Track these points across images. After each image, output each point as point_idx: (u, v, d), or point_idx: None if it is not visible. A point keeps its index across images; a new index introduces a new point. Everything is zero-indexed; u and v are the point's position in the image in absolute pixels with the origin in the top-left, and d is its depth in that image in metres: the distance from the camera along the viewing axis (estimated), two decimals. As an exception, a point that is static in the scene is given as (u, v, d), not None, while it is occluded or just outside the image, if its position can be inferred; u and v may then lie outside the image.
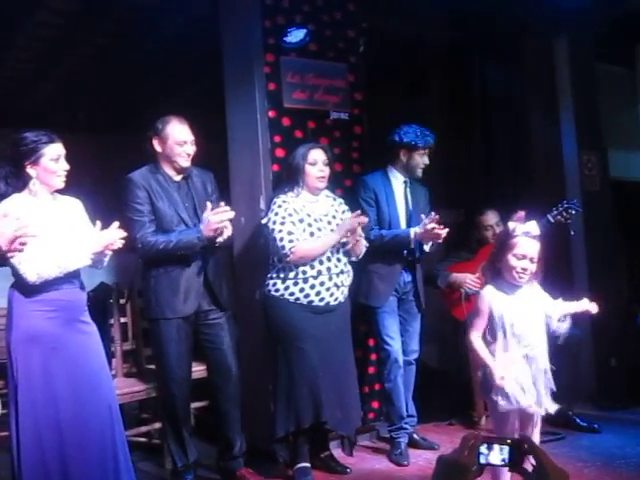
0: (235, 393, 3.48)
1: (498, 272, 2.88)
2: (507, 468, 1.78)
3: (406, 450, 3.87)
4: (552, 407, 2.86)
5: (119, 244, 2.84)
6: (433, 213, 3.72)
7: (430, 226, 3.67)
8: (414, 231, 3.80)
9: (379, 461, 3.86)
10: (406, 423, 3.94)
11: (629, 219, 5.78)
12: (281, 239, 3.42)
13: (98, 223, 2.85)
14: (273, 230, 3.45)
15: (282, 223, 3.45)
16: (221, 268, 3.53)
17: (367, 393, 4.16)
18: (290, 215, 3.47)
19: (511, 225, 2.94)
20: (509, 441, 1.72)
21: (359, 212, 3.52)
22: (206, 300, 3.41)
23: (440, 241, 3.81)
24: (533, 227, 2.89)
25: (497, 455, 1.73)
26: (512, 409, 2.81)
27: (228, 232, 3.33)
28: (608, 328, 4.99)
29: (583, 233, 5.04)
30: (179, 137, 3.38)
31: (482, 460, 1.81)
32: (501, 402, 2.79)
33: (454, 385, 4.82)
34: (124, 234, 2.87)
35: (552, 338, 3.08)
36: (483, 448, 1.74)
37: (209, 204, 3.28)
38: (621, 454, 3.70)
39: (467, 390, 4.52)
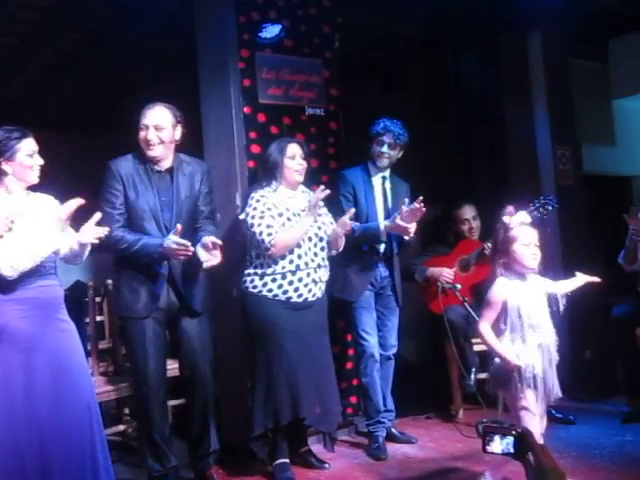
0: (206, 393, 3.41)
1: (506, 266, 2.96)
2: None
3: (384, 444, 3.88)
4: (559, 393, 2.93)
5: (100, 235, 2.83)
6: (413, 203, 3.66)
7: (399, 220, 3.66)
8: (384, 224, 3.81)
9: (358, 456, 3.87)
10: (384, 417, 3.95)
11: (603, 213, 5.85)
12: (260, 233, 3.41)
13: (66, 204, 2.81)
14: (252, 225, 3.44)
15: (261, 217, 3.44)
16: (192, 267, 3.34)
17: (345, 388, 4.16)
18: (269, 209, 3.47)
19: (506, 219, 3.04)
20: (514, 432, 1.72)
21: (322, 187, 3.48)
22: (173, 300, 3.33)
23: (409, 236, 3.80)
24: (525, 216, 3.05)
25: (499, 444, 1.73)
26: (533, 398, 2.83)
27: (213, 262, 3.19)
28: (583, 320, 5.05)
29: (557, 227, 5.10)
30: (142, 121, 3.27)
31: (487, 448, 1.81)
32: (524, 387, 2.82)
33: (432, 379, 4.86)
34: (106, 230, 2.85)
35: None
36: (489, 438, 1.73)
37: (179, 226, 3.13)
38: (596, 445, 3.75)
39: (445, 384, 4.55)
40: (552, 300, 3.00)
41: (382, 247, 3.96)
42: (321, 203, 3.67)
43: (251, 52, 3.99)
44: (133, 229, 3.28)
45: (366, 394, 3.97)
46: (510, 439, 1.78)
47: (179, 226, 3.14)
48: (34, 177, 2.85)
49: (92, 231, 2.83)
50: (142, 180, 3.29)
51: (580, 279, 3.11)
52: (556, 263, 5.16)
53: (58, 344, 2.79)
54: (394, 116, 4.03)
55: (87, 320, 4.04)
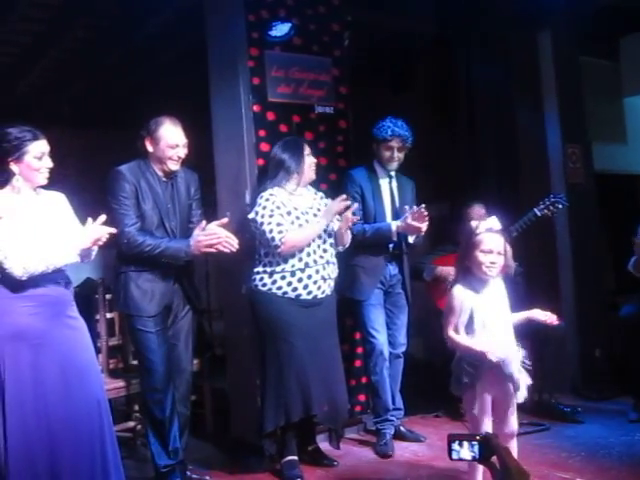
0: (186, 392, 3.50)
1: (467, 270, 2.97)
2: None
3: (391, 441, 3.89)
4: (522, 397, 2.94)
5: (105, 239, 2.83)
6: (415, 207, 3.75)
7: (411, 220, 3.70)
8: (396, 224, 3.83)
9: (366, 453, 3.88)
10: (392, 415, 3.96)
11: (613, 212, 5.83)
12: (270, 231, 3.43)
13: (89, 220, 2.83)
14: (262, 223, 3.46)
15: (271, 216, 3.45)
16: (193, 267, 3.53)
17: (354, 386, 4.17)
18: (278, 208, 3.48)
19: (473, 223, 3.04)
20: (478, 437, 1.77)
21: (344, 196, 3.54)
22: (175, 299, 3.40)
23: (422, 234, 3.84)
24: (494, 222, 2.99)
25: (467, 451, 1.78)
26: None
27: (226, 250, 3.25)
28: (592, 319, 5.04)
29: (567, 225, 5.09)
30: (171, 140, 3.35)
31: (454, 456, 1.86)
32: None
33: (441, 377, 4.85)
34: (112, 230, 2.86)
35: (531, 330, 3.14)
36: (455, 445, 1.79)
37: (204, 222, 3.25)
38: (605, 444, 3.74)
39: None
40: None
41: (391, 245, 3.97)
42: (327, 201, 3.68)
43: (260, 50, 3.99)
44: None
45: (375, 392, 3.98)
46: (475, 444, 1.83)
47: (204, 222, 3.25)
48: (41, 179, 2.85)
49: (97, 233, 2.81)
50: (151, 188, 3.36)
51: (534, 314, 3.03)
52: (566, 262, 5.15)
53: (68, 341, 2.80)
54: (402, 115, 4.02)
55: (97, 317, 4.06)
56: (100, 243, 2.83)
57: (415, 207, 3.75)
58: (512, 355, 2.88)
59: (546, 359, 4.31)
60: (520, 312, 3.05)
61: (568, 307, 5.01)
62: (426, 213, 3.69)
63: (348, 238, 3.65)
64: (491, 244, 2.92)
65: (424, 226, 3.74)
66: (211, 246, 3.23)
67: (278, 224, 3.43)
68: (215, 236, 3.22)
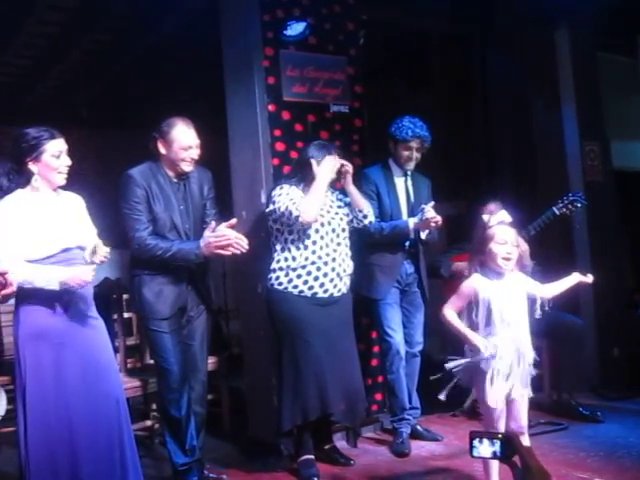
0: (202, 391, 3.49)
1: (483, 264, 2.99)
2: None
3: (407, 440, 3.88)
4: (529, 393, 2.95)
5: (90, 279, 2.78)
6: (431, 202, 3.75)
7: (429, 215, 3.69)
8: (413, 221, 3.83)
9: (382, 453, 3.87)
10: (409, 415, 3.95)
11: (632, 210, 5.78)
12: (286, 207, 3.43)
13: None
14: (279, 208, 3.46)
15: (287, 195, 3.47)
16: (208, 267, 3.50)
17: (370, 385, 4.16)
18: (295, 194, 3.50)
19: (485, 217, 3.08)
20: (500, 435, 1.77)
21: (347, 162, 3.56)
22: (189, 300, 3.40)
23: (437, 229, 3.84)
24: (505, 215, 3.04)
25: (488, 448, 1.78)
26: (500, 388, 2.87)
27: (237, 251, 3.22)
28: (611, 317, 5.00)
29: (586, 223, 5.04)
30: (185, 142, 3.32)
31: (475, 453, 1.86)
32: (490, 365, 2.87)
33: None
34: (104, 259, 2.83)
35: (550, 329, 3.12)
36: (476, 442, 1.78)
37: (213, 223, 3.24)
38: (624, 444, 3.70)
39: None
40: (530, 302, 3.01)
41: (407, 243, 3.96)
42: (338, 201, 3.67)
43: (275, 50, 4.00)
44: None
45: (391, 391, 3.97)
46: (497, 442, 1.83)
47: (213, 223, 3.24)
48: (60, 179, 2.87)
49: (85, 275, 2.74)
50: (162, 190, 3.34)
51: (573, 279, 3.09)
52: (584, 260, 5.11)
53: (88, 340, 2.83)
54: (418, 114, 4.01)
55: (115, 317, 4.09)
56: (83, 284, 2.76)
57: (431, 202, 3.74)
58: (522, 352, 2.89)
59: (565, 358, 4.29)
60: (554, 283, 3.06)
61: (587, 306, 4.97)
62: (435, 217, 3.69)
63: (363, 201, 3.65)
64: (505, 235, 2.95)
65: (439, 219, 3.72)
66: (222, 248, 3.21)
67: (291, 199, 3.44)
68: (224, 238, 3.19)
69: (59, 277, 2.70)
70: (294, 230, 3.50)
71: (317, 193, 3.46)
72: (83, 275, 2.73)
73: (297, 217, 3.40)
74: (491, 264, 2.95)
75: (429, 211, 3.70)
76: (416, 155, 3.96)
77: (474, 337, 2.88)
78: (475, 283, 2.95)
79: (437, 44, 5.84)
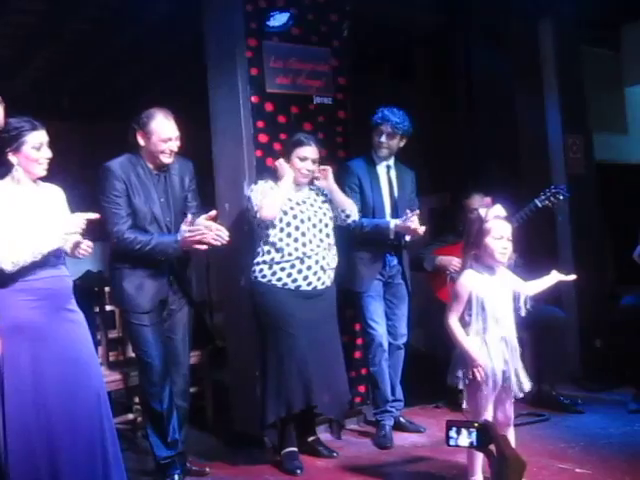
0: (184, 385, 3.47)
1: (477, 258, 2.98)
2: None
3: (390, 433, 3.89)
4: (528, 385, 2.98)
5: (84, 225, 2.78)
6: (416, 211, 3.74)
7: (412, 225, 3.69)
8: (394, 223, 3.81)
9: (365, 445, 3.88)
10: (392, 406, 3.96)
11: (613, 202, 5.81)
12: (254, 203, 3.45)
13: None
14: (251, 203, 3.48)
15: (257, 192, 3.48)
16: (189, 260, 3.49)
17: (354, 377, 4.16)
18: (271, 189, 3.49)
19: (482, 211, 3.06)
20: (476, 425, 1.78)
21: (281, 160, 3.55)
22: (170, 293, 3.37)
23: (419, 235, 3.83)
24: (501, 210, 3.04)
25: (465, 438, 1.79)
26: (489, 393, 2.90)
27: (217, 243, 3.18)
28: (593, 310, 5.04)
29: (568, 216, 5.08)
30: (164, 134, 3.27)
31: (451, 443, 1.87)
32: (483, 384, 2.88)
33: (441, 368, 4.84)
34: (94, 215, 2.80)
35: (532, 321, 3.14)
36: (453, 432, 1.80)
37: (189, 216, 3.20)
38: (605, 435, 3.74)
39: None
40: (515, 299, 3.03)
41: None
42: (322, 196, 3.67)
43: (258, 41, 3.97)
44: None
45: (374, 383, 3.98)
46: (473, 432, 1.85)
47: (190, 216, 3.20)
48: (40, 170, 2.84)
49: (80, 219, 2.76)
50: (142, 182, 3.30)
51: (553, 277, 3.11)
52: (567, 252, 5.14)
53: (67, 334, 2.80)
54: (402, 105, 4.00)
55: (96, 309, 4.06)
56: (81, 229, 2.77)
57: (416, 210, 3.74)
58: (514, 347, 2.92)
59: (546, 350, 4.32)
60: (536, 281, 3.09)
61: (569, 298, 5.01)
62: (417, 227, 3.69)
63: (345, 200, 3.65)
64: (502, 230, 2.95)
65: (422, 229, 3.72)
66: (198, 242, 3.18)
67: (262, 193, 3.45)
68: (199, 232, 3.15)
69: (59, 232, 2.72)
70: (273, 225, 3.48)
71: (278, 191, 3.47)
72: (76, 219, 2.74)
73: (256, 212, 3.42)
74: (487, 259, 2.95)
75: (413, 221, 3.69)
76: (388, 142, 3.92)
77: (477, 356, 2.88)
78: (470, 283, 2.94)
79: (421, 34, 5.83)
